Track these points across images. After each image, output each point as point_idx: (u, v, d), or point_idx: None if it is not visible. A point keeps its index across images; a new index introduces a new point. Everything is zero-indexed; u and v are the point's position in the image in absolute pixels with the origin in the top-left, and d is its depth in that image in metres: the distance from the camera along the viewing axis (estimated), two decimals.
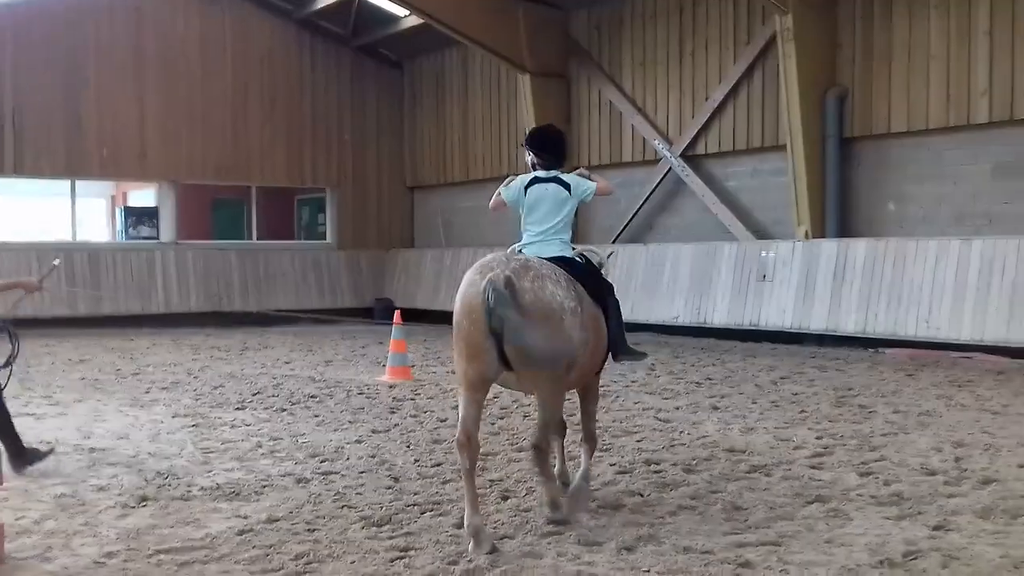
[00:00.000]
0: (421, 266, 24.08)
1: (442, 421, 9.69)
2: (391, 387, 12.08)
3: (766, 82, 17.09)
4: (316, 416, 10.08)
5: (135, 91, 22.17)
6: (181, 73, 22.63)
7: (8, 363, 7.66)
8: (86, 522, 6.22)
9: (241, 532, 5.94)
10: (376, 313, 23.22)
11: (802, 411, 9.95)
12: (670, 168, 18.74)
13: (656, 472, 7.43)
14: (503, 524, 6.06)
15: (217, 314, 22.24)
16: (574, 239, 6.89)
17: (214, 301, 22.53)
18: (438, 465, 7.71)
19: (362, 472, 7.52)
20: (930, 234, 14.96)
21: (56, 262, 8.79)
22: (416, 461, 7.88)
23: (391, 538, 5.77)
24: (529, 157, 6.76)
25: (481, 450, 8.11)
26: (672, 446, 8.37)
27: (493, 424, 9.51)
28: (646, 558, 5.36)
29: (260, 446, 8.55)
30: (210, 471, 7.62)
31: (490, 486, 7.01)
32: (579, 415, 6.85)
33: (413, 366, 13.57)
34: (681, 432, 8.96)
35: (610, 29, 20.00)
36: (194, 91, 22.80)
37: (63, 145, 21.50)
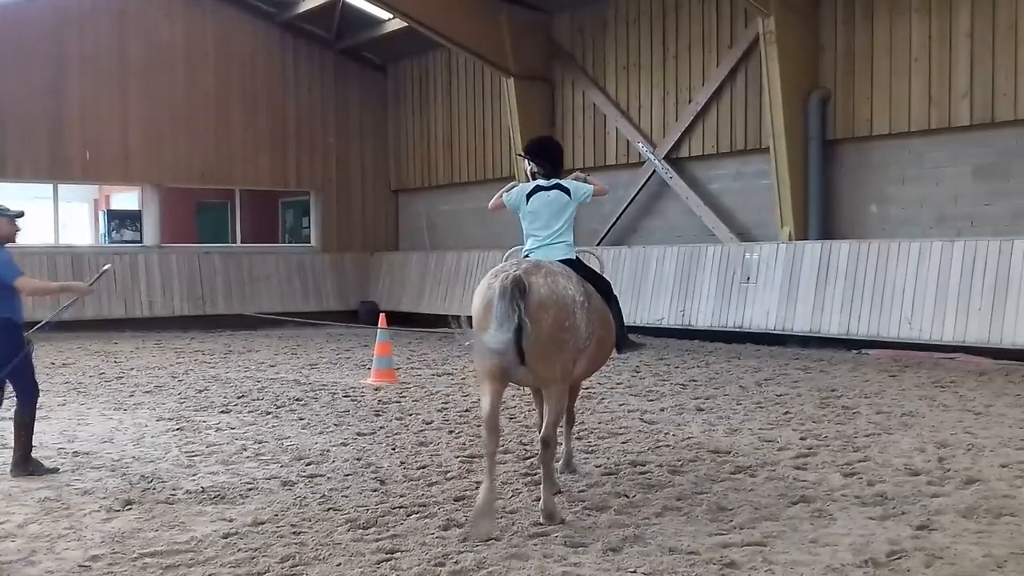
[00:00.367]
0: (406, 269, 24.06)
1: (427, 423, 9.69)
2: (376, 390, 12.07)
3: (749, 85, 17.16)
4: (301, 419, 10.06)
5: (118, 94, 22.08)
6: (164, 76, 22.56)
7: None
8: (70, 526, 6.20)
9: (226, 535, 5.92)
10: (361, 316, 23.20)
11: (786, 412, 9.99)
12: (654, 171, 18.79)
13: (641, 473, 7.45)
14: None
15: (201, 317, 22.17)
16: (577, 240, 7.28)
17: (198, 304, 22.46)
18: (423, 467, 7.71)
19: (348, 475, 7.51)
20: (912, 235, 15.05)
21: (107, 267, 8.96)
22: (402, 464, 7.87)
23: (377, 540, 5.77)
24: (529, 166, 7.15)
25: (467, 452, 8.21)
26: (657, 447, 8.39)
27: (479, 427, 9.49)
28: (632, 559, 5.37)
29: (245, 449, 8.53)
30: (195, 474, 7.60)
31: (476, 488, 7.01)
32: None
33: (398, 369, 13.56)
34: (666, 434, 8.99)
35: (594, 32, 20.04)
36: (177, 94, 22.73)
37: (46, 149, 21.39)
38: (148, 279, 22.07)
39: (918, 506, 6.34)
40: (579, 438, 8.67)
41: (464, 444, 8.62)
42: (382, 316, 13.84)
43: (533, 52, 20.59)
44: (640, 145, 18.96)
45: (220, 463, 8.01)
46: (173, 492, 7.02)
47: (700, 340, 17.09)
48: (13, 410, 7.83)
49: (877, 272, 14.79)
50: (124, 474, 7.61)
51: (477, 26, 20.07)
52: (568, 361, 6.16)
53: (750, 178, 17.52)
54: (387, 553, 5.53)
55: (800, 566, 5.21)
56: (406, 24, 20.79)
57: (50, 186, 22.12)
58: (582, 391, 9.43)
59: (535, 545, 5.66)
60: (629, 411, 10.23)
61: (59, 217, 22.42)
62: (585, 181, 7.18)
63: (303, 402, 11.16)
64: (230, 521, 6.24)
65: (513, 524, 6.08)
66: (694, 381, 12.43)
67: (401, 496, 6.82)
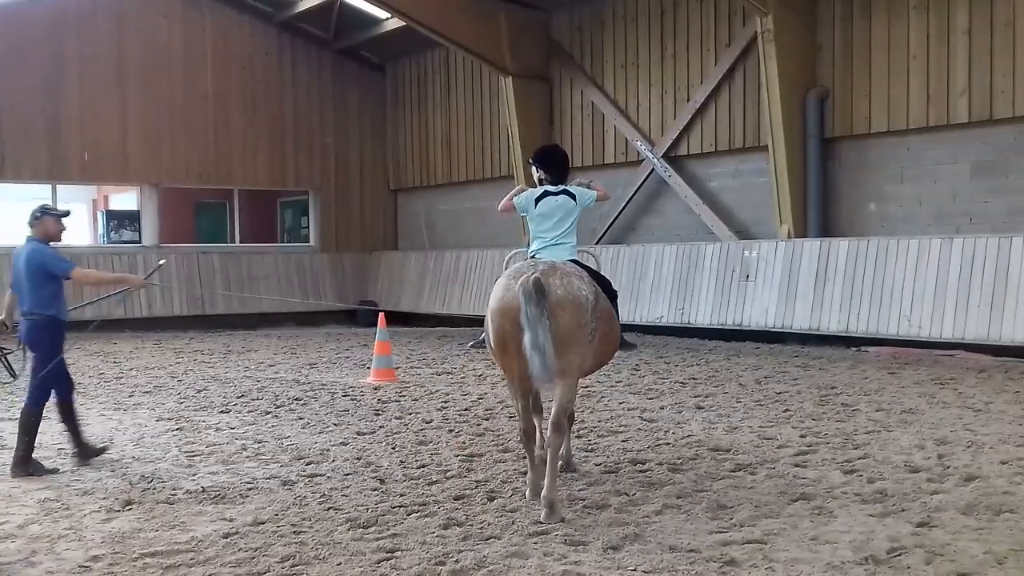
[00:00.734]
0: (405, 268, 24.05)
1: (427, 422, 9.69)
2: (376, 389, 12.06)
3: (747, 83, 17.16)
4: (301, 419, 10.06)
5: (117, 95, 22.07)
6: (163, 76, 22.55)
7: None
8: (70, 526, 6.20)
9: (226, 535, 5.93)
10: (359, 316, 23.20)
11: (786, 410, 10.00)
12: (652, 169, 18.79)
13: (641, 471, 7.45)
14: (489, 524, 6.06)
15: (200, 317, 22.16)
16: (578, 240, 7.67)
17: (197, 304, 22.45)
18: (423, 467, 7.71)
19: (348, 474, 7.51)
20: (911, 233, 15.05)
21: (162, 262, 9.25)
22: (402, 463, 7.88)
23: (377, 540, 5.77)
24: (537, 173, 7.65)
25: (467, 451, 8.21)
26: (657, 445, 8.40)
27: (479, 425, 9.52)
28: (632, 557, 5.38)
29: (245, 449, 8.53)
30: (195, 474, 7.60)
31: (476, 487, 7.02)
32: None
33: (398, 368, 13.55)
34: (666, 431, 8.99)
35: (592, 31, 20.03)
36: (176, 94, 22.72)
37: (45, 149, 21.37)
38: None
39: (918, 503, 6.34)
40: (579, 436, 8.68)
41: (464, 443, 8.62)
42: (381, 316, 13.83)
43: (531, 51, 20.58)
44: (639, 144, 18.96)
45: (220, 463, 8.01)
46: (173, 492, 7.02)
47: (699, 338, 17.09)
48: (21, 409, 7.92)
49: (876, 270, 14.80)
50: (124, 474, 7.61)
51: (475, 25, 20.06)
52: (581, 356, 6.48)
53: (749, 176, 17.52)
54: (387, 552, 5.53)
55: (800, 564, 5.21)
56: (404, 23, 20.77)
57: (48, 186, 22.08)
58: (581, 390, 9.43)
59: (535, 544, 5.66)
60: (629, 409, 10.23)
61: None
62: (588, 187, 7.66)
63: (303, 401, 11.15)
64: (230, 521, 6.24)
65: (513, 523, 6.09)
66: (694, 379, 12.44)
67: (401, 495, 6.82)
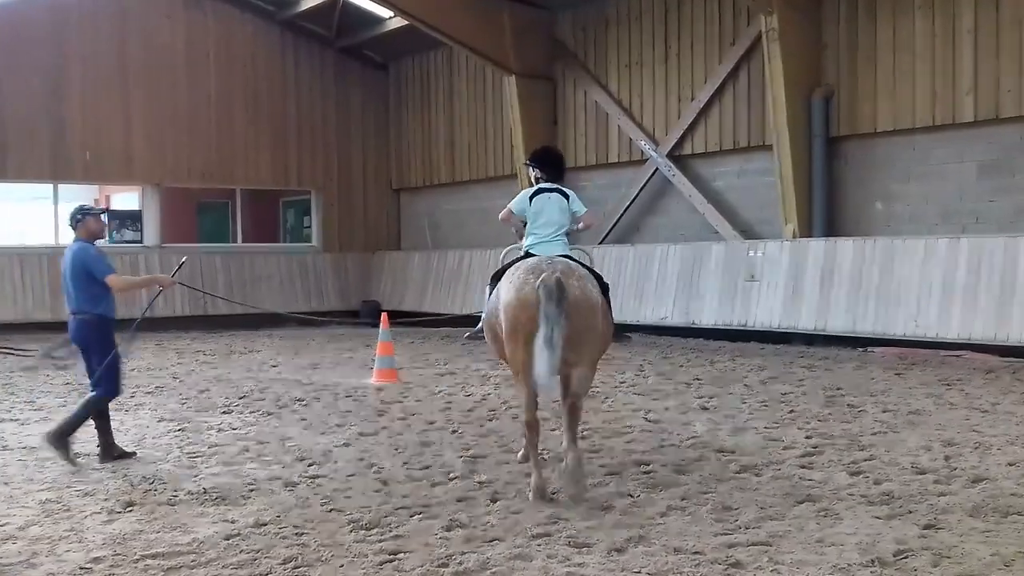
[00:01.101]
0: (408, 268, 24.01)
1: (430, 423, 9.64)
2: (378, 390, 12.02)
3: (752, 82, 17.11)
4: (303, 419, 10.02)
5: (119, 94, 22.06)
6: (165, 76, 22.53)
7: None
8: (71, 528, 6.16)
9: (228, 537, 5.88)
10: (362, 316, 23.14)
11: (791, 411, 9.94)
12: (657, 168, 18.74)
13: (646, 473, 7.40)
14: (493, 526, 6.02)
15: (202, 317, 22.13)
16: (578, 239, 7.95)
17: (199, 304, 22.40)
18: (426, 468, 7.67)
19: (350, 475, 7.47)
20: (917, 233, 14.99)
21: (184, 259, 9.52)
22: (404, 464, 7.83)
23: (380, 541, 5.73)
24: (533, 172, 7.94)
25: (470, 452, 8.17)
26: (662, 447, 8.35)
27: (482, 426, 9.48)
28: (636, 559, 5.33)
29: (247, 450, 8.49)
30: (196, 476, 7.56)
31: (479, 489, 6.97)
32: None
33: (400, 369, 13.51)
34: (671, 433, 8.95)
35: (596, 30, 19.99)
36: (178, 94, 22.70)
37: (47, 149, 21.36)
38: None
39: (925, 505, 6.29)
40: (583, 437, 8.62)
41: (467, 444, 8.58)
42: (384, 316, 13.79)
43: (535, 50, 20.54)
44: (643, 143, 18.91)
45: (222, 464, 7.97)
46: (175, 493, 6.98)
47: (704, 339, 17.03)
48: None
49: (882, 269, 14.73)
50: (125, 475, 7.57)
51: (479, 24, 20.03)
52: (594, 349, 6.96)
53: (753, 175, 17.46)
54: (390, 554, 5.49)
55: (806, 566, 5.16)
56: (407, 22, 20.75)
57: (51, 186, 22.07)
58: None
59: (539, 546, 5.61)
60: (634, 410, 10.19)
61: (59, 217, 22.37)
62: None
63: (305, 402, 11.12)
64: (232, 522, 6.20)
65: (516, 525, 6.04)
66: (698, 380, 12.39)
67: (404, 497, 6.78)
